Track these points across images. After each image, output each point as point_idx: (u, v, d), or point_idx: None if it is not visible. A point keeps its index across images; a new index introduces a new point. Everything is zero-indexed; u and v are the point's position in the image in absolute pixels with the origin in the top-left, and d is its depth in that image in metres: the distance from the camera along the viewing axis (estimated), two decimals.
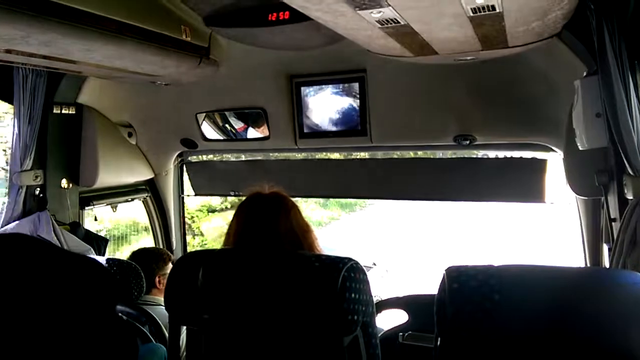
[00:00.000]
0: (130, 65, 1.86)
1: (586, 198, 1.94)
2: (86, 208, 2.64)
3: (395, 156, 2.73)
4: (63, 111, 2.39)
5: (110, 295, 1.02)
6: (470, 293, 1.02)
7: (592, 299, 0.97)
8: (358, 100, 2.29)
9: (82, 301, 0.94)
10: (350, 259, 1.21)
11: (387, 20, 1.24)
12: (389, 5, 1.12)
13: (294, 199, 1.50)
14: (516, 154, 2.33)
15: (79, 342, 0.90)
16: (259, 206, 1.44)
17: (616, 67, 1.34)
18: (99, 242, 2.59)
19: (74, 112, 2.44)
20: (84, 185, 2.55)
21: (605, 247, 1.82)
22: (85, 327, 0.93)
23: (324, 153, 2.79)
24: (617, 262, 1.43)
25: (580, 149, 1.61)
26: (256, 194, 1.48)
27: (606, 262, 1.81)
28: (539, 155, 2.26)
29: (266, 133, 2.57)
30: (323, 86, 2.34)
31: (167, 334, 1.98)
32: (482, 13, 1.21)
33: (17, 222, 2.26)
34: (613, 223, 1.61)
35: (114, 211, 2.94)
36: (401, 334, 2.03)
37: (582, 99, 1.54)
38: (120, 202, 2.88)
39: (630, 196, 1.41)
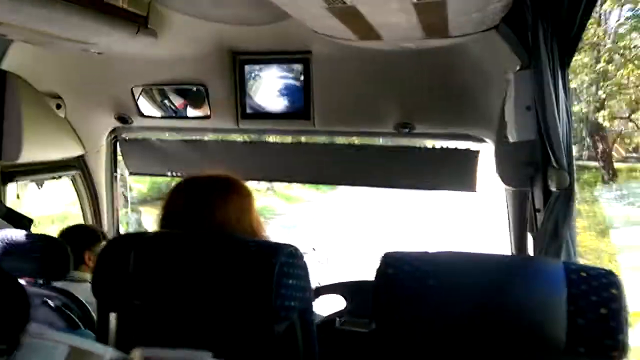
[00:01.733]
0: (60, 30, 1.73)
1: (514, 189, 2.03)
2: (9, 184, 2.47)
3: (337, 142, 2.75)
4: None
5: None
6: (406, 278, 1.05)
7: (517, 284, 1.02)
8: (302, 83, 2.28)
9: None
10: (289, 245, 1.20)
11: None
12: None
13: None
14: (452, 144, 2.42)
15: None
16: (203, 187, 1.37)
17: (547, 62, 1.40)
18: (22, 222, 2.43)
19: None
20: (6, 160, 2.37)
21: (529, 237, 1.92)
22: None
23: (267, 135, 2.76)
24: (540, 250, 1.51)
25: (511, 140, 1.67)
26: (205, 175, 1.41)
27: (530, 251, 1.92)
28: (473, 146, 2.35)
29: (207, 112, 2.49)
30: (268, 65, 2.30)
31: (95, 318, 1.91)
32: (426, 0, 1.23)
33: None
34: (537, 213, 1.69)
35: (39, 188, 2.77)
36: (338, 319, 2.06)
37: (514, 92, 1.60)
38: (46, 179, 2.71)
39: (553, 188, 1.49)
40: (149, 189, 11.62)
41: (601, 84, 12.96)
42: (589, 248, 9.89)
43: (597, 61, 13.04)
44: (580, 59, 12.15)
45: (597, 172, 13.78)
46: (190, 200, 1.37)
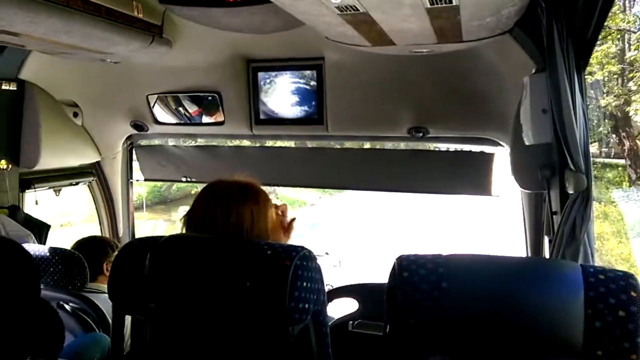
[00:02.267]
0: (78, 41, 1.76)
1: (530, 191, 2.02)
2: (27, 191, 2.51)
3: (351, 146, 2.75)
4: (3, 87, 2.23)
5: (31, 279, 1.00)
6: (420, 281, 1.05)
7: (533, 287, 1.01)
8: (315, 88, 2.29)
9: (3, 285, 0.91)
10: (303, 248, 1.20)
11: (346, 7, 1.23)
12: None
13: None
14: (466, 147, 2.41)
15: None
16: (221, 192, 1.39)
17: (563, 66, 1.39)
18: (40, 228, 2.47)
19: (15, 89, 2.29)
20: (24, 167, 2.41)
21: (546, 239, 1.90)
22: (7, 311, 0.91)
23: (280, 141, 2.77)
24: (557, 253, 1.49)
25: (527, 143, 1.66)
26: (234, 181, 1.43)
27: (546, 253, 1.90)
28: (488, 149, 2.34)
29: (221, 118, 2.52)
30: (281, 72, 2.31)
31: (110, 322, 1.94)
32: (439, 5, 1.23)
33: None
34: (554, 216, 1.68)
35: (56, 195, 2.81)
36: (351, 322, 2.06)
37: (530, 95, 1.59)
38: (64, 186, 2.76)
39: (571, 190, 1.47)
40: (148, 193, 11.60)
41: (631, 74, 11.42)
42: (620, 257, 8.55)
43: (623, 52, 11.57)
44: (605, 48, 10.81)
45: (624, 171, 12.28)
46: (208, 205, 1.39)
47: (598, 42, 1.56)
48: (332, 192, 14.88)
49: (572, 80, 1.41)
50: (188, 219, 1.41)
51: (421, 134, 2.31)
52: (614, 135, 12.42)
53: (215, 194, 1.41)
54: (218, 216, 1.36)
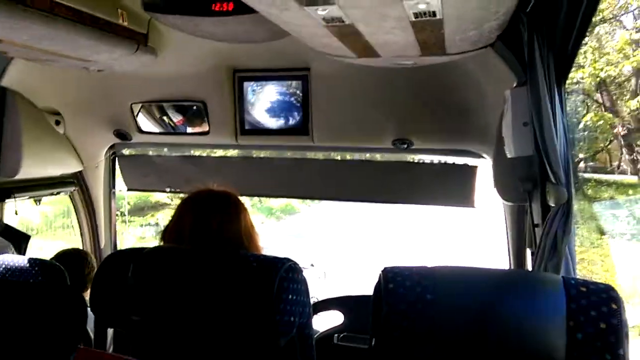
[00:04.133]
0: (61, 48, 1.74)
1: (512, 204, 2.04)
2: (7, 201, 2.46)
3: (336, 157, 2.76)
4: None
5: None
6: (405, 293, 1.05)
7: (516, 298, 1.02)
8: (301, 99, 2.29)
9: None
10: (288, 260, 1.20)
11: (332, 18, 1.25)
12: (335, 3, 1.13)
13: None
14: (450, 159, 2.43)
15: None
16: (209, 203, 1.41)
17: (544, 80, 1.42)
18: (19, 238, 2.43)
19: None
20: (5, 176, 2.36)
21: (528, 251, 1.92)
22: None
23: (265, 151, 2.77)
24: (539, 265, 1.51)
25: (508, 156, 1.69)
26: (205, 190, 1.46)
27: (529, 266, 1.91)
28: (471, 161, 2.36)
29: (206, 128, 2.51)
30: (266, 82, 2.32)
31: (92, 336, 1.91)
32: (424, 18, 1.25)
33: None
34: (536, 228, 1.70)
35: (37, 205, 2.76)
36: (336, 335, 2.05)
37: (511, 108, 1.62)
38: (44, 195, 2.71)
39: (552, 203, 1.49)
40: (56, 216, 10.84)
41: None
42: None
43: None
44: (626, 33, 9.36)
45: (636, 189, 10.55)
46: (179, 216, 1.42)
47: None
48: (280, 215, 13.81)
49: (552, 94, 1.43)
50: (163, 232, 1.43)
51: (405, 146, 2.33)
52: (625, 150, 10.94)
53: (188, 204, 1.43)
54: (186, 226, 1.38)
